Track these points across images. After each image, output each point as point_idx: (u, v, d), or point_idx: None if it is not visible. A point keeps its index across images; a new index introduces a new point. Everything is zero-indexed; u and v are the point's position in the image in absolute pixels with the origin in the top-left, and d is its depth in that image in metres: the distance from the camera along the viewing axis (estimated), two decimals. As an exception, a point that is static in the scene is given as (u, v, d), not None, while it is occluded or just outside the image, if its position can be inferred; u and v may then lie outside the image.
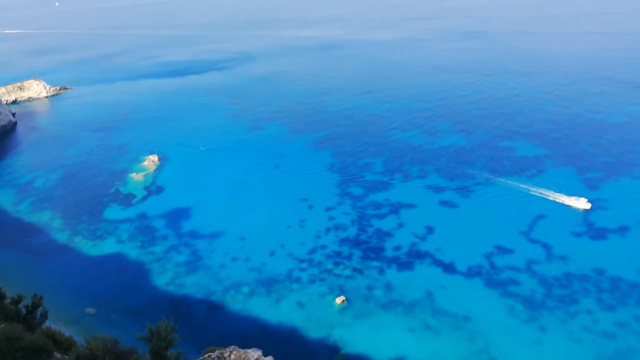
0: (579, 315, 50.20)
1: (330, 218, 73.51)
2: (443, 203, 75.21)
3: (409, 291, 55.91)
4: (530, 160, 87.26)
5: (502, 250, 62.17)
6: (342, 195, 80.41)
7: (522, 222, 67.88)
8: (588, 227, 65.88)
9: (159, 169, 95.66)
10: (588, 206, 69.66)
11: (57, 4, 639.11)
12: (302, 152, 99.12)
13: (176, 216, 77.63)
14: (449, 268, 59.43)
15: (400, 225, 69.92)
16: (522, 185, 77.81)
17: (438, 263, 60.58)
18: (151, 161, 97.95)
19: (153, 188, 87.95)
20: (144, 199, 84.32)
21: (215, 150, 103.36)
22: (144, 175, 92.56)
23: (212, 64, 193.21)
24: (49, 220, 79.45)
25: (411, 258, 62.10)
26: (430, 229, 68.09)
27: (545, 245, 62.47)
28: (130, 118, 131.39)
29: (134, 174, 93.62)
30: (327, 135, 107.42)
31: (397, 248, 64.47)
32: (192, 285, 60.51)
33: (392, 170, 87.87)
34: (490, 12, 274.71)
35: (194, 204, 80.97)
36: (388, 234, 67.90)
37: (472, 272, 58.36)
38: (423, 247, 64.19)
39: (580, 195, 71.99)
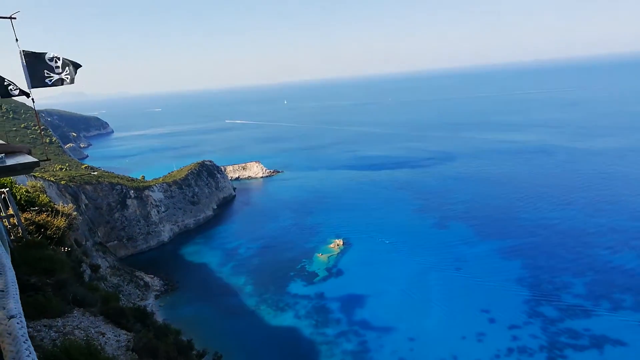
0: None
1: (514, 338, 65.35)
2: (667, 349, 60.16)
3: None
4: None
5: None
6: (531, 314, 71.27)
7: None
8: None
9: (342, 252, 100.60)
10: None
11: (285, 102, 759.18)
12: (487, 259, 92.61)
13: (351, 302, 79.26)
14: None
15: (604, 365, 57.97)
16: None
17: None
18: (336, 244, 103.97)
19: (334, 270, 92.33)
20: (325, 279, 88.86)
21: (397, 243, 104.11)
22: (328, 257, 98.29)
23: (407, 161, 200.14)
24: (243, 285, 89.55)
25: (616, 410, 50.24)
26: (646, 379, 54.65)
27: None
28: (324, 202, 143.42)
29: (320, 254, 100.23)
30: (519, 244, 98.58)
31: (598, 393, 53.14)
32: (355, 377, 59.54)
33: (597, 296, 74.93)
34: None
35: (368, 293, 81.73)
36: (586, 373, 56.79)
37: None
38: (634, 400, 51.56)
39: None
